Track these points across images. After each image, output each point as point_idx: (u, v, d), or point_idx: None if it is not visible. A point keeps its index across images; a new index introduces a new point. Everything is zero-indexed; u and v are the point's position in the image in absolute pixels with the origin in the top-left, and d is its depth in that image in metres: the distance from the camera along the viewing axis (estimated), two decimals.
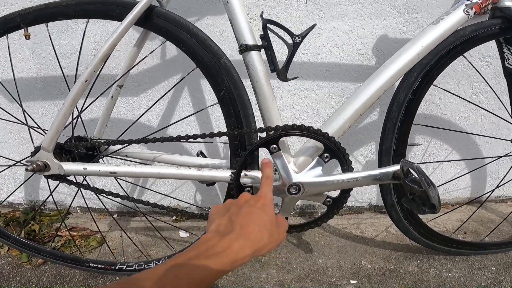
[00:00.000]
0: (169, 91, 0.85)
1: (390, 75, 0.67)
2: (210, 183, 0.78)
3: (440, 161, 1.13)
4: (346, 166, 0.65)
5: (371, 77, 0.68)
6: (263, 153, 0.66)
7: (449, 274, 0.90)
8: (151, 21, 0.67)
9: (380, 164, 0.77)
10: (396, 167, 0.63)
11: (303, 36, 0.61)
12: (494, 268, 0.92)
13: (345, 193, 0.68)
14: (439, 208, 0.58)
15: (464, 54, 0.72)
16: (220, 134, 0.65)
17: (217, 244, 0.36)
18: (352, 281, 0.88)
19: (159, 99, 0.83)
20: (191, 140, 0.66)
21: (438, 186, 1.04)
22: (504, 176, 1.10)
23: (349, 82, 0.99)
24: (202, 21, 0.93)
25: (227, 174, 0.67)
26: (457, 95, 0.94)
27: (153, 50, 0.80)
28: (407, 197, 0.62)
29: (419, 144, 1.10)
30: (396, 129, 0.74)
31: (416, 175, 0.58)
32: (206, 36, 0.67)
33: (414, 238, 0.88)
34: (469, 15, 0.67)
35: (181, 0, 0.90)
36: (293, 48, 0.62)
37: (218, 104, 0.70)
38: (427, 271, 0.91)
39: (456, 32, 0.69)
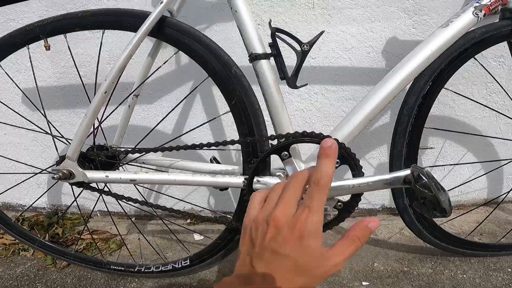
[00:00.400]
0: (182, 100, 0.88)
1: (400, 80, 0.68)
2: (223, 188, 0.81)
3: (453, 164, 1.12)
4: (357, 171, 0.67)
5: (380, 82, 0.69)
6: (275, 160, 0.68)
7: (464, 276, 0.90)
8: (163, 32, 0.70)
9: (392, 168, 0.78)
10: (407, 172, 0.63)
11: (311, 43, 0.63)
12: (510, 270, 0.91)
13: (356, 197, 0.69)
14: (450, 212, 0.58)
15: (475, 56, 0.72)
16: (232, 142, 0.68)
17: None
18: (364, 283, 0.89)
19: (173, 108, 0.87)
20: (205, 148, 0.69)
21: (453, 188, 1.05)
22: None
23: (359, 85, 1.00)
24: (211, 28, 0.96)
25: (240, 180, 0.69)
26: (468, 98, 0.93)
27: (167, 60, 0.83)
28: (418, 201, 0.63)
29: (432, 148, 1.10)
30: (407, 133, 0.75)
31: (426, 180, 0.59)
32: (217, 45, 0.70)
33: (428, 240, 0.88)
34: (478, 17, 0.67)
35: (191, 9, 0.93)
36: (301, 56, 0.64)
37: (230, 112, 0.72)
38: (441, 273, 0.91)
39: (466, 35, 0.69)
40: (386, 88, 0.68)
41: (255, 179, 0.68)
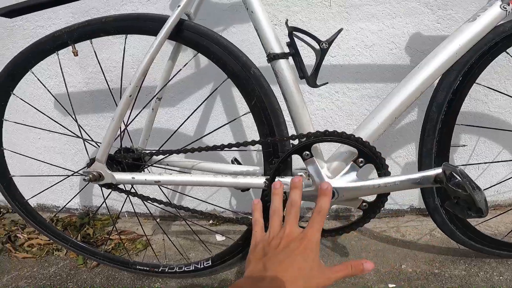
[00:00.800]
0: (202, 102, 0.89)
1: (427, 76, 0.64)
2: (245, 189, 0.81)
3: (488, 162, 1.05)
4: (383, 170, 0.64)
5: (406, 78, 0.66)
6: (296, 160, 0.67)
7: (501, 278, 0.84)
8: (182, 35, 0.71)
9: (421, 167, 0.74)
10: (438, 171, 0.60)
11: (330, 41, 0.61)
12: None
13: (382, 197, 0.66)
14: (487, 212, 0.54)
15: (507, 50, 0.67)
16: (253, 143, 0.67)
17: None
18: (390, 285, 0.86)
19: (195, 110, 0.88)
20: (226, 149, 0.70)
21: (489, 187, 0.99)
22: None
23: (382, 83, 0.97)
24: (229, 29, 0.96)
25: (261, 180, 0.69)
26: (503, 93, 0.87)
27: (186, 63, 0.85)
28: (451, 200, 0.59)
29: (464, 145, 1.04)
30: (437, 131, 0.71)
31: (459, 178, 0.56)
32: (235, 47, 0.70)
33: (461, 242, 0.83)
34: (506, 10, 0.63)
35: (208, 11, 0.94)
36: (321, 54, 0.62)
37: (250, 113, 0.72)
38: (476, 275, 0.86)
39: (496, 28, 0.64)
40: (412, 84, 0.65)
41: (276, 180, 0.67)
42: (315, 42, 0.61)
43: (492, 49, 0.66)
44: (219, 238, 1.13)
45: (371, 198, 0.67)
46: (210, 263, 0.88)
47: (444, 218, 0.78)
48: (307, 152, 0.64)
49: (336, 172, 0.66)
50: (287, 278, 0.38)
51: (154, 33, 0.69)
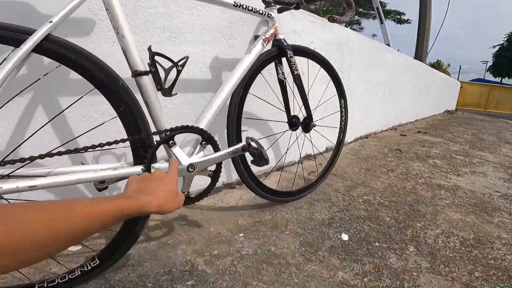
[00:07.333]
0: (65, 109, 1.04)
1: (230, 88, 1.24)
2: (103, 187, 1.02)
3: (263, 137, 1.89)
4: (217, 148, 1.17)
5: (220, 88, 1.23)
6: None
7: (281, 215, 1.62)
8: (47, 48, 0.86)
9: (229, 144, 1.34)
10: (243, 143, 1.20)
11: (182, 65, 1.05)
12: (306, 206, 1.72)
13: (219, 165, 1.19)
14: (268, 161, 1.20)
15: (261, 72, 1.41)
16: (123, 140, 0.97)
17: (134, 195, 0.62)
18: (240, 235, 1.40)
19: (53, 117, 1.01)
20: (90, 150, 0.91)
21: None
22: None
23: (201, 92, 1.52)
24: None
25: (138, 169, 1.01)
26: (259, 97, 1.67)
27: (47, 73, 0.99)
28: (253, 159, 1.22)
29: (246, 130, 1.80)
30: (234, 122, 1.34)
31: (254, 144, 1.18)
32: (105, 63, 0.95)
33: (260, 194, 1.52)
34: (264, 46, 1.36)
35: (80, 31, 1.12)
36: (177, 73, 1.04)
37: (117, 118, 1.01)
38: (275, 216, 1.58)
39: (259, 58, 1.36)
40: (224, 92, 1.23)
41: (152, 166, 1.03)
42: (169, 63, 1.03)
43: (256, 71, 1.36)
44: (74, 248, 1.23)
45: (213, 167, 1.18)
46: (98, 262, 1.02)
47: (248, 179, 1.44)
48: (172, 141, 1.05)
49: (190, 153, 1.12)
50: (160, 193, 0.66)
51: (16, 44, 0.83)
